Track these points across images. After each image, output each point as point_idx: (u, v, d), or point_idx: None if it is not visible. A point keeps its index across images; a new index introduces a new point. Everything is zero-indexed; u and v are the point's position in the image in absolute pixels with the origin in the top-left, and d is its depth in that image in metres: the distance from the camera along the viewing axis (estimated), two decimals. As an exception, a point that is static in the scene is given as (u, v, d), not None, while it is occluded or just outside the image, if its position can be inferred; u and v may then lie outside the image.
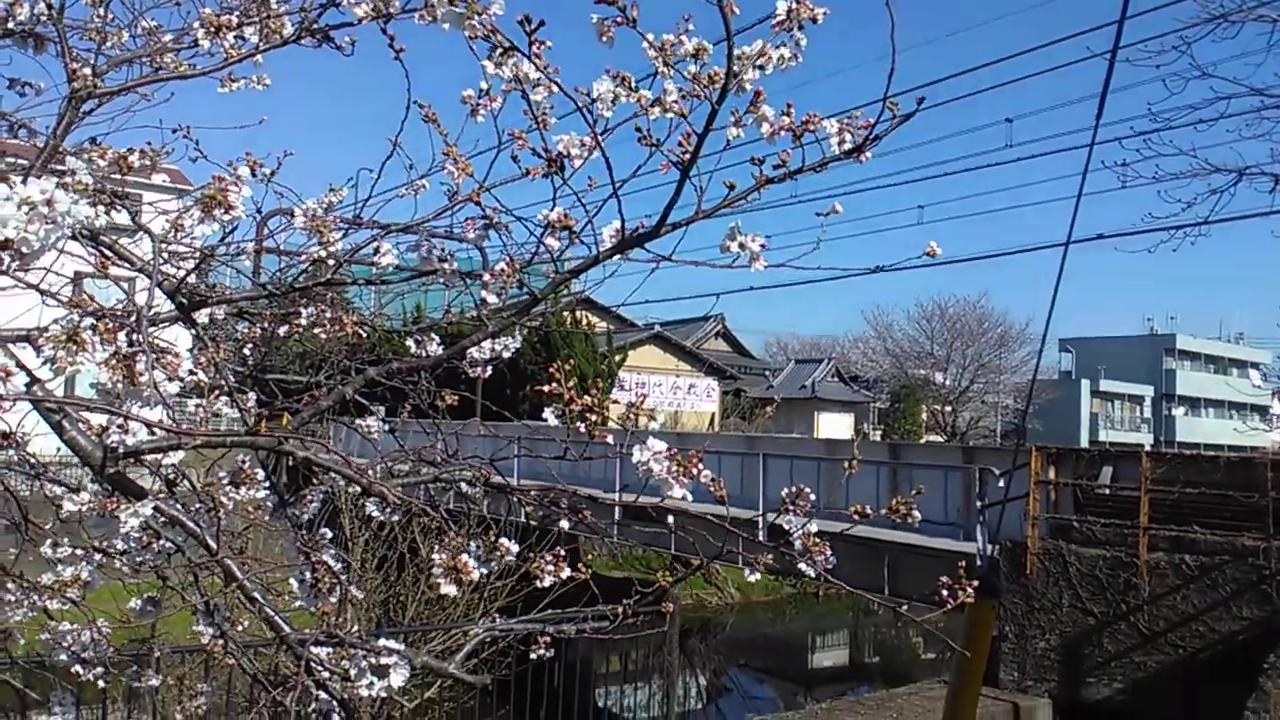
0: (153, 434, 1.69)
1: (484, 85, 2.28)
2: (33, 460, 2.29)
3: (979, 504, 11.51)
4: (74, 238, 1.92)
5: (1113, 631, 10.43)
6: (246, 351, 3.30)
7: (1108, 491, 11.24)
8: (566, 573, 2.22)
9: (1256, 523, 9.90)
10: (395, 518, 2.07)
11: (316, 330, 3.11)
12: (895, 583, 12.50)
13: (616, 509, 13.00)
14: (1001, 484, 10.92)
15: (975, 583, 2.00)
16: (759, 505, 13.16)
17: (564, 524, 2.21)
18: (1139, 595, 10.28)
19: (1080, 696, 10.52)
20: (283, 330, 3.14)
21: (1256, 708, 8.90)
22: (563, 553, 2.22)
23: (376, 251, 2.20)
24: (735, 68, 1.75)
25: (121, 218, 1.86)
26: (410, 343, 2.88)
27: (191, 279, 2.43)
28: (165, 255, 2.01)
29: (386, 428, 2.95)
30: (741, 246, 1.91)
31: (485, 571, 1.76)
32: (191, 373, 1.71)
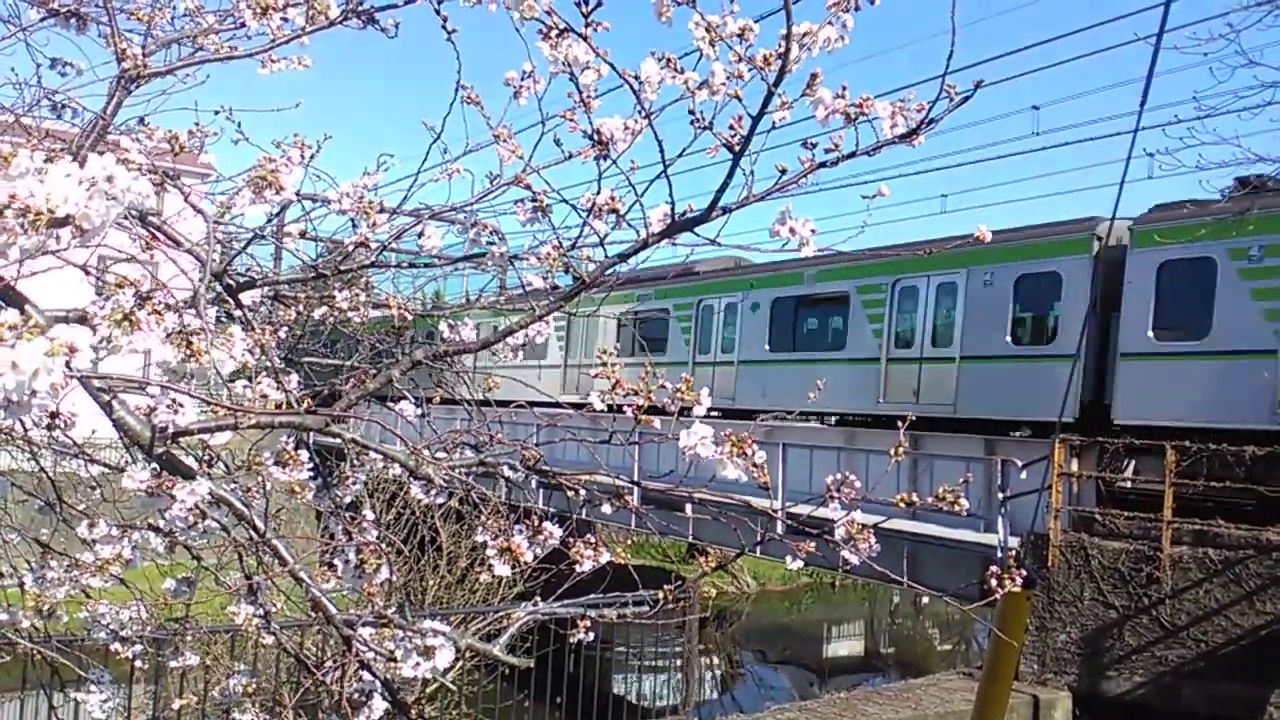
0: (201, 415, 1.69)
1: (527, 67, 2.27)
2: (74, 442, 2.30)
3: (1000, 496, 11.45)
4: (124, 218, 1.92)
5: (1134, 625, 10.36)
6: (282, 334, 3.31)
7: (1130, 485, 11.16)
8: (606, 558, 2.22)
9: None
10: (440, 500, 2.07)
11: (351, 314, 3.11)
12: (914, 573, 12.43)
13: (636, 495, 13.00)
14: (1024, 476, 10.86)
15: (1023, 573, 1.98)
16: (778, 494, 13.14)
17: (606, 508, 2.20)
18: (1161, 589, 10.20)
19: (1100, 690, 10.46)
20: (318, 313, 3.15)
21: (1280, 703, 8.83)
22: (593, 539, 2.22)
23: (420, 235, 2.19)
24: (793, 50, 1.73)
25: (173, 197, 1.86)
26: (443, 326, 2.87)
27: (225, 261, 2.43)
28: (217, 237, 2.01)
29: (420, 412, 2.95)
30: (792, 231, 1.89)
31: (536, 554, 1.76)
32: (243, 354, 1.71)
